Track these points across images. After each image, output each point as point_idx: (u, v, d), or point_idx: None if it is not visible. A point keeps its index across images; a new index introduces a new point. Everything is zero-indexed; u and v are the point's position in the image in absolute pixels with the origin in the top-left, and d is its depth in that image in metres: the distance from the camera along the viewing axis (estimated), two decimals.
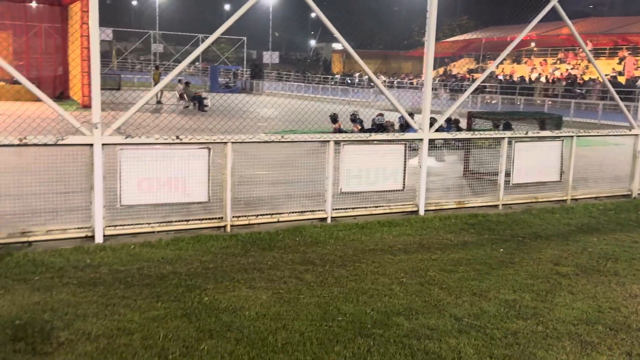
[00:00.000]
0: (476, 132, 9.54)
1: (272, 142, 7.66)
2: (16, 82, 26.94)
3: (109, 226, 6.73)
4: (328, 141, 7.85)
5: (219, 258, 6.33)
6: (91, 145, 6.50)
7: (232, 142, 7.25)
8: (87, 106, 23.49)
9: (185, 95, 26.92)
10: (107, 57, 51.87)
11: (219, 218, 7.40)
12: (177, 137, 6.99)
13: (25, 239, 6.38)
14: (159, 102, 26.76)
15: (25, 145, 6.18)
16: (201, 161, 7.11)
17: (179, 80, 29.20)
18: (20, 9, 27.55)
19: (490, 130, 11.66)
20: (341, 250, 6.72)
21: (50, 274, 5.59)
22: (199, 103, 25.74)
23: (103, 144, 6.52)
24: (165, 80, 7.18)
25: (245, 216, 7.58)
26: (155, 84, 27.90)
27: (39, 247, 6.38)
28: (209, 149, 7.14)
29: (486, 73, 10.65)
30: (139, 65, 53.52)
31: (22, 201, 6.45)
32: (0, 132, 6.60)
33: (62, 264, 5.89)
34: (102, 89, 6.64)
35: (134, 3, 74.27)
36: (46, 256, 6.06)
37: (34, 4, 27.77)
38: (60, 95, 25.89)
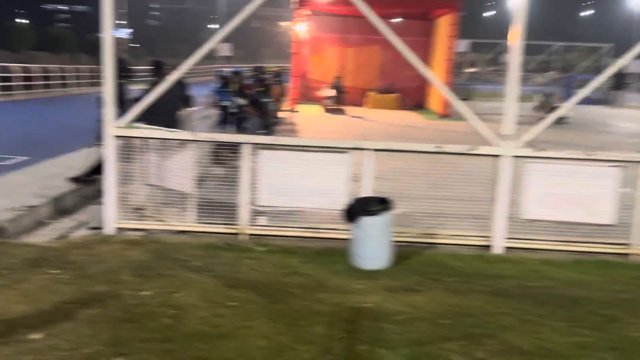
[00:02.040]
0: None
1: None
2: (385, 92, 29.73)
3: (509, 238, 6.69)
4: None
5: (631, 289, 5.69)
6: (498, 156, 6.55)
7: None
8: (445, 116, 24.52)
9: (542, 107, 25.83)
10: (460, 69, 53.55)
11: (622, 244, 6.69)
12: (587, 153, 6.55)
13: (429, 240, 6.78)
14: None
15: (441, 152, 6.57)
16: (610, 180, 6.53)
17: (543, 92, 28.19)
18: (389, 24, 30.27)
19: None
20: None
21: (458, 278, 5.79)
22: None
23: (513, 156, 6.51)
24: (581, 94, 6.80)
25: None
26: None
27: (441, 249, 6.71)
28: (621, 168, 6.50)
29: None
30: (489, 75, 53.86)
31: (430, 203, 6.84)
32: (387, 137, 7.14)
33: (466, 269, 6.07)
34: None
35: (486, 15, 75.25)
36: (450, 259, 6.33)
37: (400, 19, 30.20)
38: (419, 105, 27.55)
